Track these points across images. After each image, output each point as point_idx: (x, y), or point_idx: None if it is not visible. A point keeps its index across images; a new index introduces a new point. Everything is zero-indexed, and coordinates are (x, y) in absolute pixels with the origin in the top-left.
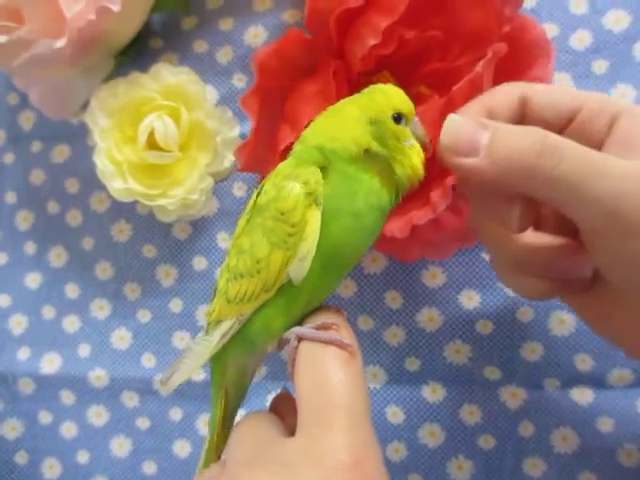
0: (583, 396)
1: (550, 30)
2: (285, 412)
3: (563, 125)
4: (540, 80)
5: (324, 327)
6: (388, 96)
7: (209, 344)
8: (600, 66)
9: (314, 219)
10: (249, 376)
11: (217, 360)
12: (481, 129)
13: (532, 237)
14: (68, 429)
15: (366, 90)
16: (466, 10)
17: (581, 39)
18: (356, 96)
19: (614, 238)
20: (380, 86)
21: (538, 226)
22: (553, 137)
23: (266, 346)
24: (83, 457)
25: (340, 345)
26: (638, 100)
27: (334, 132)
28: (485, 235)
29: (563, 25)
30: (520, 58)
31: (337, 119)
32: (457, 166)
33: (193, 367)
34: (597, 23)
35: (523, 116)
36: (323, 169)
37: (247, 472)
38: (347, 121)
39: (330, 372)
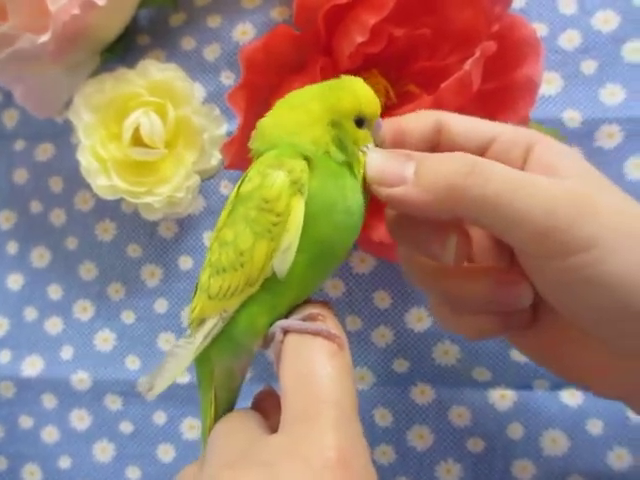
0: (573, 398)
1: (539, 30)
2: (269, 409)
3: (477, 154)
4: (530, 79)
5: (310, 318)
6: (355, 96)
7: (192, 346)
8: (589, 66)
9: (298, 209)
10: (238, 378)
11: (203, 363)
12: (406, 160)
13: (467, 270)
14: (49, 434)
15: (333, 84)
16: (456, 8)
17: (570, 39)
18: (322, 88)
19: (547, 258)
20: (349, 82)
21: (471, 259)
22: (480, 159)
23: (252, 345)
24: (65, 462)
25: (327, 336)
26: (627, 101)
27: (294, 127)
28: (417, 276)
29: (552, 25)
30: (509, 57)
31: (298, 113)
32: (387, 197)
33: (176, 371)
34: (586, 23)
35: (437, 143)
36: (308, 160)
37: (227, 472)
38: (308, 118)
39: (317, 365)
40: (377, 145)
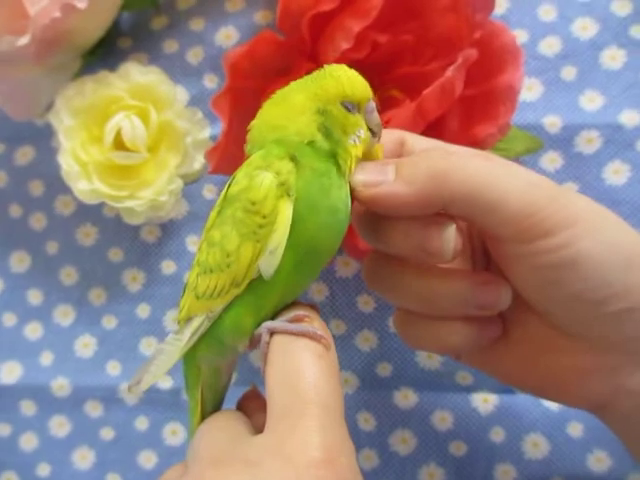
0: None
1: (520, 36)
2: (253, 410)
3: None
4: (510, 86)
5: (297, 319)
6: (339, 82)
7: (179, 343)
8: (569, 72)
9: (285, 211)
10: (224, 378)
11: (190, 362)
12: (384, 165)
13: (445, 270)
14: (28, 441)
15: (317, 73)
16: (438, 15)
17: (550, 45)
18: (306, 80)
19: (527, 241)
20: (332, 69)
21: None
22: (456, 147)
23: (237, 345)
24: (44, 470)
25: (313, 337)
26: (605, 107)
27: (278, 121)
28: (387, 282)
29: (533, 31)
30: (490, 64)
31: (283, 107)
32: (373, 196)
33: (164, 368)
34: (566, 30)
35: (400, 155)
36: (294, 161)
37: (212, 471)
38: (292, 110)
39: (303, 365)
40: (371, 129)
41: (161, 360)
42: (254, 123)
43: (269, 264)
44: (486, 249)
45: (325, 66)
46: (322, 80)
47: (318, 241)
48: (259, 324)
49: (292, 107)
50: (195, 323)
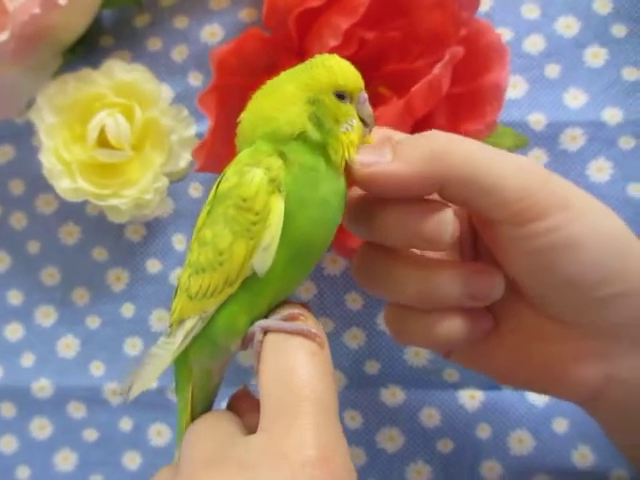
0: (539, 398)
1: (504, 34)
2: (245, 410)
3: None
4: (496, 84)
5: (290, 318)
6: (331, 71)
7: (172, 346)
8: (553, 70)
9: (277, 206)
10: (216, 379)
11: (181, 365)
12: (382, 146)
13: (439, 261)
14: (7, 443)
15: (307, 63)
16: (425, 13)
17: (534, 43)
18: (296, 70)
19: (522, 223)
20: (323, 59)
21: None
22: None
23: (230, 345)
24: (23, 473)
25: (307, 335)
26: (589, 105)
27: (268, 112)
28: (378, 276)
29: (517, 29)
30: (476, 62)
31: (273, 98)
32: (371, 175)
33: (156, 372)
34: (549, 28)
35: None
36: (283, 156)
37: (204, 472)
38: (283, 101)
39: (297, 363)
40: (363, 119)
41: (153, 365)
42: (244, 115)
43: (263, 261)
44: (474, 241)
45: (316, 56)
46: (314, 70)
47: (311, 235)
48: (252, 323)
49: (283, 97)
50: (188, 325)
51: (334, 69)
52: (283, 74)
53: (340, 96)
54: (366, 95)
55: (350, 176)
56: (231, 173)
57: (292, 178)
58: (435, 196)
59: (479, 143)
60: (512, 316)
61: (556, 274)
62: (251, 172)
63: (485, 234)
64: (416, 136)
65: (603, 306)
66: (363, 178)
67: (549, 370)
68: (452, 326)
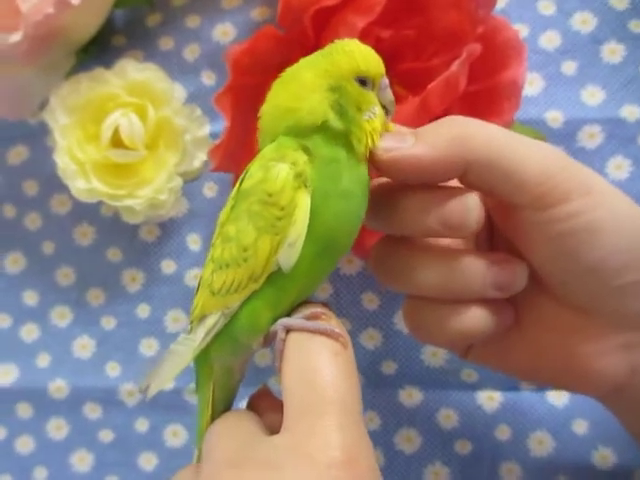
0: (559, 399)
1: (520, 31)
2: (264, 409)
3: None
4: (514, 81)
5: (313, 317)
6: (352, 57)
7: (192, 343)
8: (570, 67)
9: (303, 202)
10: (237, 376)
11: (202, 362)
12: (404, 133)
13: (461, 251)
14: (24, 444)
15: (327, 49)
16: (441, 11)
17: (550, 40)
18: (316, 57)
19: (545, 208)
20: (343, 44)
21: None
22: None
23: (252, 343)
24: (41, 473)
25: (331, 335)
26: (607, 102)
27: (289, 103)
28: (398, 269)
29: (533, 26)
30: (493, 59)
31: (293, 87)
32: (394, 159)
33: (176, 369)
34: (565, 24)
35: None
36: (307, 151)
37: (227, 473)
38: (304, 89)
39: (320, 363)
40: (384, 106)
41: (172, 361)
42: (264, 109)
43: (289, 257)
44: (490, 233)
45: (336, 41)
46: (334, 55)
47: (336, 229)
48: (275, 321)
49: (302, 86)
50: (210, 321)
51: (355, 54)
52: (301, 61)
53: (362, 82)
54: (387, 81)
55: (373, 165)
56: (255, 169)
57: (316, 172)
58: (455, 184)
59: (500, 127)
60: (533, 309)
61: (577, 260)
62: (277, 167)
63: (506, 222)
64: (438, 121)
65: (625, 294)
66: (386, 163)
67: (572, 363)
68: (476, 317)
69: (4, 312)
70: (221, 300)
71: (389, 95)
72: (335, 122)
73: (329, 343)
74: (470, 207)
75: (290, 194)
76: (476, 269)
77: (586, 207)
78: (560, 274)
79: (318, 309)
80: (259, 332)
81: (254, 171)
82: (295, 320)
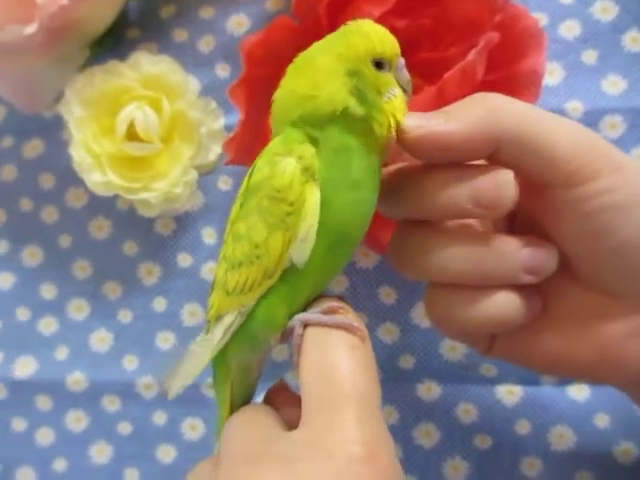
0: (580, 393)
1: (539, 20)
2: (281, 403)
3: None
4: (533, 70)
5: (330, 311)
6: (367, 38)
7: (210, 343)
8: (590, 56)
9: (312, 196)
10: (255, 372)
11: (219, 358)
12: (431, 113)
13: (492, 234)
14: (44, 436)
15: (341, 31)
16: (459, 0)
17: (570, 29)
18: (330, 40)
19: (576, 184)
20: (357, 25)
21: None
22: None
23: (269, 339)
24: (60, 465)
25: (349, 329)
26: (628, 91)
27: (305, 90)
28: (420, 256)
29: (552, 14)
30: (513, 48)
31: (308, 73)
32: (423, 136)
33: (195, 370)
34: (585, 13)
35: None
36: (314, 142)
37: (246, 468)
38: (320, 75)
39: (338, 358)
40: (402, 87)
41: (191, 362)
42: (278, 94)
43: (301, 252)
44: (511, 218)
45: (348, 22)
46: (348, 38)
47: (348, 221)
48: (292, 316)
49: (319, 71)
50: (227, 320)
51: (370, 35)
52: (315, 45)
53: (378, 64)
54: (403, 61)
55: (399, 144)
56: (262, 164)
57: (324, 164)
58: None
59: (531, 105)
60: (558, 295)
61: (606, 239)
62: (283, 162)
63: (533, 202)
64: (467, 98)
65: None
66: (415, 140)
67: (600, 350)
68: (505, 303)
69: (23, 305)
70: (236, 299)
71: (406, 75)
72: (356, 108)
73: (347, 337)
74: (505, 183)
75: (298, 189)
76: (508, 251)
77: (616, 184)
78: (588, 255)
79: (335, 303)
80: (276, 329)
81: (261, 166)
82: (312, 315)
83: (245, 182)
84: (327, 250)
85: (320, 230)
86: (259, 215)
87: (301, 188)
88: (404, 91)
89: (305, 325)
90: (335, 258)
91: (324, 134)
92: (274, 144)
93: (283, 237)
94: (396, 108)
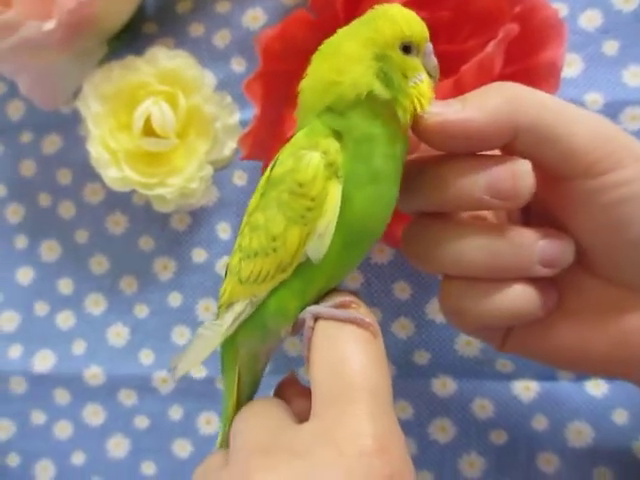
0: (598, 388)
1: (559, 10)
2: (292, 396)
3: None
4: (553, 62)
5: (342, 305)
6: (394, 22)
7: (220, 328)
8: (611, 47)
9: (334, 192)
10: (263, 361)
11: (228, 346)
12: (450, 101)
13: (503, 225)
14: (63, 429)
15: (368, 15)
16: None
17: (590, 19)
18: (356, 25)
19: (597, 174)
20: (384, 9)
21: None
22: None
23: (280, 330)
24: (78, 458)
25: (361, 324)
26: None
27: (331, 76)
28: (435, 248)
29: (572, 5)
30: (532, 40)
31: (335, 59)
32: (441, 123)
33: (203, 353)
34: (606, 3)
35: None
36: (338, 135)
37: (257, 460)
38: (346, 61)
39: (349, 352)
40: (429, 72)
41: (199, 345)
42: (304, 83)
43: (318, 248)
44: (526, 211)
45: (375, 7)
46: (376, 22)
47: (367, 217)
48: (303, 308)
49: (345, 57)
50: (237, 308)
51: (398, 19)
52: (341, 32)
53: (406, 49)
54: (431, 46)
55: (416, 133)
56: (286, 157)
57: (347, 158)
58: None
59: (550, 95)
60: (575, 289)
61: (626, 231)
62: (307, 156)
63: (551, 194)
64: (485, 86)
65: None
66: (432, 128)
67: (619, 345)
68: (521, 296)
69: (41, 299)
70: (249, 288)
71: (433, 60)
72: (381, 91)
73: (358, 332)
74: (522, 173)
75: (321, 184)
76: (524, 243)
77: (636, 176)
78: (605, 247)
79: (347, 297)
80: (287, 320)
81: (284, 159)
82: (324, 308)
83: (267, 174)
84: (344, 246)
85: (338, 227)
86: (278, 208)
87: (324, 184)
88: (431, 77)
89: (316, 318)
90: (352, 254)
91: (348, 124)
92: (298, 137)
93: (301, 232)
94: (422, 93)
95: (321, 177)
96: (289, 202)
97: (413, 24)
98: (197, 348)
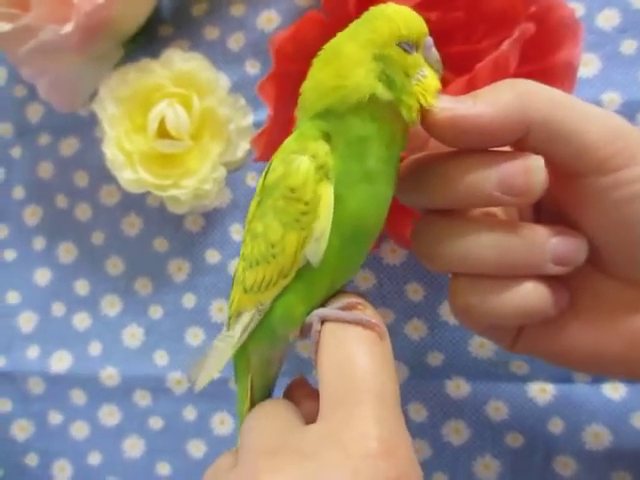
0: (615, 391)
1: (576, 10)
2: (301, 398)
3: None
4: (569, 63)
5: (349, 307)
6: (391, 20)
7: (231, 340)
8: (629, 46)
9: (327, 195)
10: (275, 366)
11: (240, 355)
12: (460, 97)
13: (515, 222)
14: (79, 429)
15: (365, 17)
16: None
17: (608, 18)
18: (354, 27)
19: (610, 171)
20: (380, 9)
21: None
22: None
23: (288, 335)
24: (95, 458)
25: (367, 325)
26: None
27: (333, 80)
28: (445, 246)
29: (589, 4)
30: (547, 40)
31: (335, 63)
32: (452, 118)
33: (218, 364)
34: (624, 2)
35: None
36: (328, 137)
37: (265, 461)
38: (346, 64)
39: (357, 354)
40: (431, 66)
41: (214, 357)
42: (306, 85)
43: (316, 251)
44: (537, 209)
45: (371, 8)
46: (373, 22)
47: (362, 216)
48: (310, 311)
49: (345, 60)
50: (245, 318)
51: (394, 18)
52: (340, 35)
53: (406, 47)
54: (432, 39)
55: (426, 128)
56: (277, 163)
57: (338, 159)
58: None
59: (561, 91)
60: (587, 288)
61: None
62: (297, 160)
63: (562, 191)
64: (497, 82)
65: None
66: (442, 122)
67: (633, 346)
68: (532, 294)
69: (58, 301)
70: (254, 297)
71: (435, 54)
72: (383, 93)
73: (365, 333)
74: (535, 169)
75: (312, 188)
76: (536, 240)
77: None
78: (619, 245)
79: (353, 299)
80: (294, 324)
81: (276, 165)
82: (330, 311)
83: (261, 180)
84: (341, 246)
85: (334, 228)
86: (274, 214)
87: (315, 187)
88: (435, 71)
89: (323, 321)
90: (351, 254)
91: (340, 126)
92: (288, 142)
93: (298, 237)
94: (426, 89)
95: (312, 180)
96: (284, 208)
97: (410, 21)
98: (212, 360)
